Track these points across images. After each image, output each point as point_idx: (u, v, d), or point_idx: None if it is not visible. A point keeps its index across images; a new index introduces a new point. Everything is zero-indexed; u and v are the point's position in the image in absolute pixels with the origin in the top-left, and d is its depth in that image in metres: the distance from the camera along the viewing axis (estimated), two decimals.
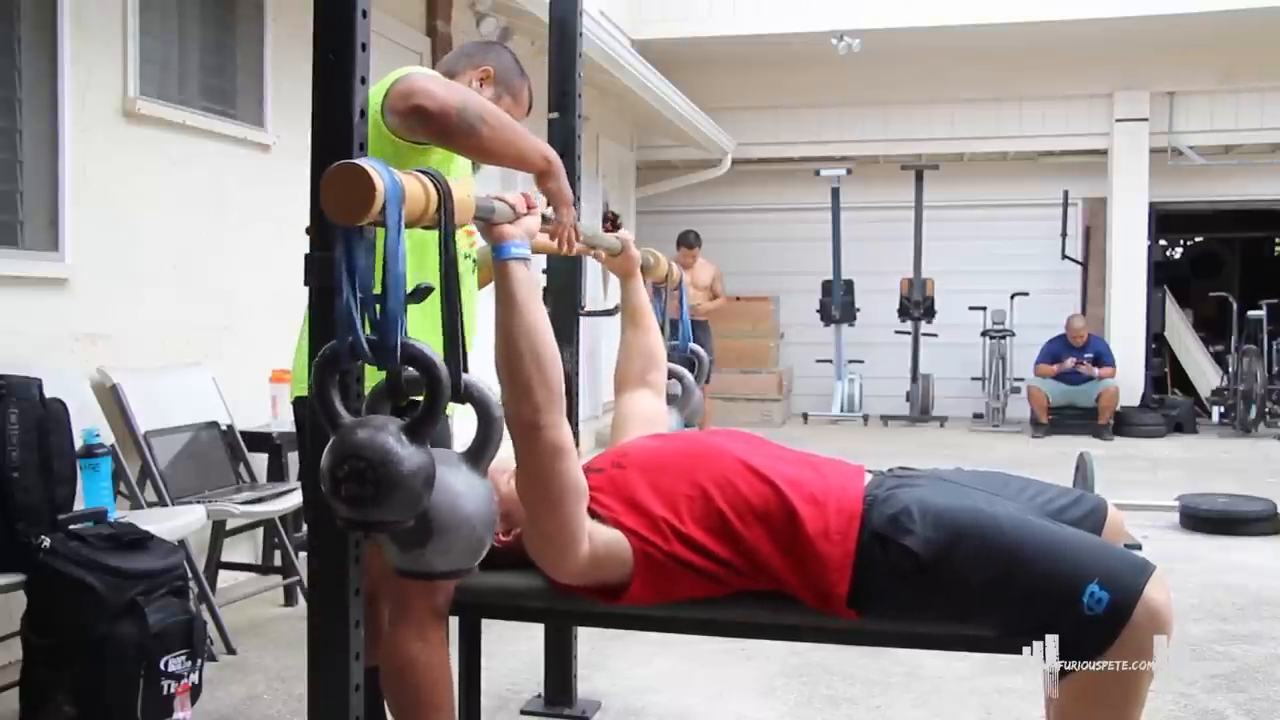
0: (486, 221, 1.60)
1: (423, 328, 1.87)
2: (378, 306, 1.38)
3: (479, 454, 1.49)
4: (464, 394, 1.46)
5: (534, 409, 1.58)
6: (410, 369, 1.42)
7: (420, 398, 1.43)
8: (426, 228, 1.46)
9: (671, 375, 2.53)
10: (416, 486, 1.35)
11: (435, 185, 1.43)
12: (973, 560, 1.60)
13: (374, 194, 1.31)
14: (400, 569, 1.50)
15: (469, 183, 1.85)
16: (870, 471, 1.85)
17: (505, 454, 1.75)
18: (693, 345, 2.67)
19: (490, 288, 1.72)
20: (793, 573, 1.68)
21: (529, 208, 1.69)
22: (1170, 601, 1.55)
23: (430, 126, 1.66)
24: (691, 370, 2.60)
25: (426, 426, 1.39)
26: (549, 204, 1.84)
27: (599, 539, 1.68)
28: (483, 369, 1.61)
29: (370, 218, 1.32)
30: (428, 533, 1.41)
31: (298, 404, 1.93)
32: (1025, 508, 1.76)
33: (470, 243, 2.06)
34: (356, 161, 1.33)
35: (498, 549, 1.83)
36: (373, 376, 1.50)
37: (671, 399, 2.46)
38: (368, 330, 1.38)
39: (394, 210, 1.34)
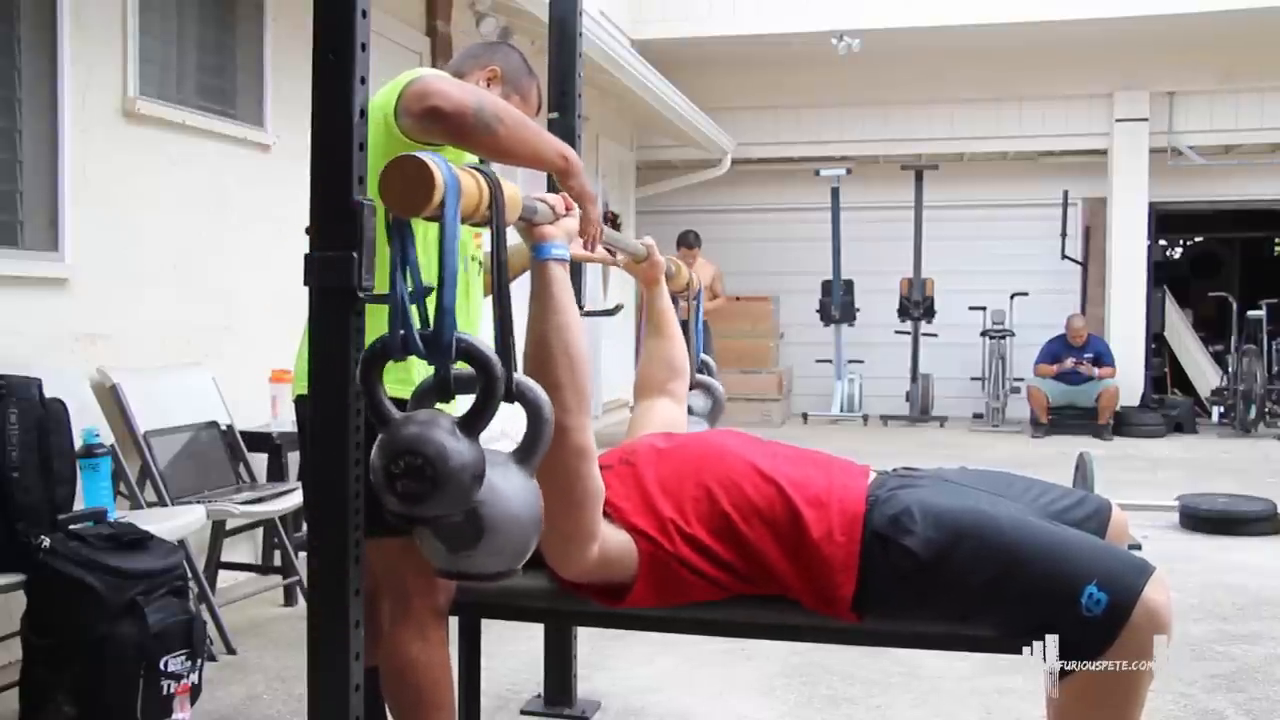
0: (529, 222, 1.60)
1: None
2: (428, 301, 1.38)
3: (528, 454, 1.47)
4: (515, 393, 1.44)
5: (563, 410, 1.56)
6: (458, 367, 1.41)
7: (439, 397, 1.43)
8: (476, 224, 1.47)
9: (699, 386, 2.52)
10: (467, 481, 1.35)
11: (488, 182, 1.44)
12: (972, 560, 1.60)
13: (434, 187, 1.33)
14: (445, 571, 1.49)
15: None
16: (875, 471, 1.85)
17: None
18: (704, 357, 2.65)
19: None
20: (797, 577, 1.68)
21: (567, 209, 1.69)
22: (1170, 603, 1.55)
23: (446, 126, 1.65)
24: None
25: (480, 422, 1.38)
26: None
27: (609, 540, 1.69)
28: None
29: (430, 210, 1.34)
30: (479, 534, 1.41)
31: (299, 403, 1.93)
32: (1028, 508, 1.76)
33: (476, 245, 2.06)
34: (417, 155, 1.34)
35: None
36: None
37: (695, 410, 2.44)
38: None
39: (452, 204, 1.35)
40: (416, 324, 1.39)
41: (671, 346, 2.33)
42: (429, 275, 1.41)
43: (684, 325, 2.51)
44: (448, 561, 1.47)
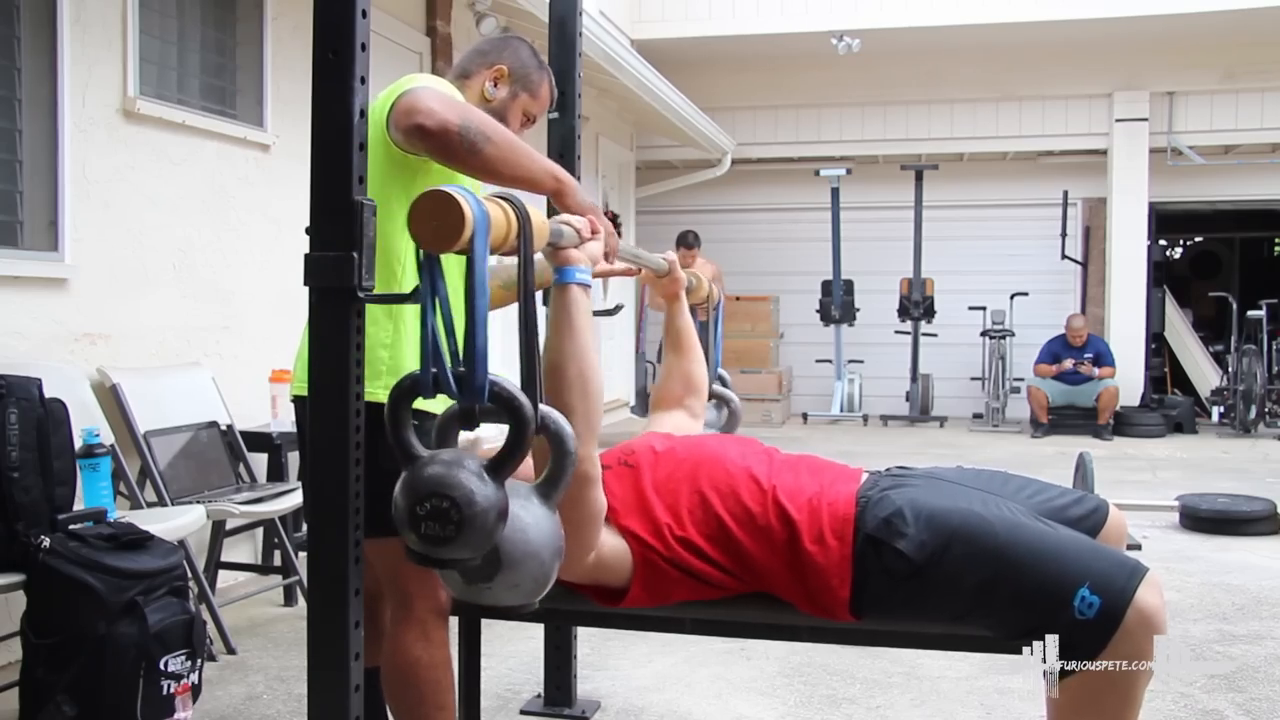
0: (554, 246, 1.58)
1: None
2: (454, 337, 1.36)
3: (550, 488, 1.45)
4: (540, 426, 1.41)
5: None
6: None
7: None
8: (506, 254, 1.45)
9: (715, 398, 2.51)
10: (490, 525, 1.33)
11: (515, 212, 1.42)
12: (965, 563, 1.60)
13: (464, 223, 1.31)
14: (463, 600, 1.48)
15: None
16: (868, 473, 1.85)
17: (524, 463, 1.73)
18: (721, 371, 2.62)
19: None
20: (794, 584, 1.68)
21: (593, 232, 1.66)
22: (1163, 605, 1.54)
23: (430, 145, 1.64)
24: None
25: (509, 466, 1.36)
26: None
27: (605, 545, 1.68)
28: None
29: (460, 246, 1.32)
30: (496, 567, 1.39)
31: (297, 402, 1.92)
32: (1023, 508, 1.74)
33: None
34: (446, 189, 1.32)
35: None
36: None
37: (709, 421, 2.42)
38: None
39: (481, 239, 1.33)
40: (448, 362, 1.37)
41: (690, 363, 2.30)
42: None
43: (703, 335, 2.49)
44: (464, 592, 1.45)
